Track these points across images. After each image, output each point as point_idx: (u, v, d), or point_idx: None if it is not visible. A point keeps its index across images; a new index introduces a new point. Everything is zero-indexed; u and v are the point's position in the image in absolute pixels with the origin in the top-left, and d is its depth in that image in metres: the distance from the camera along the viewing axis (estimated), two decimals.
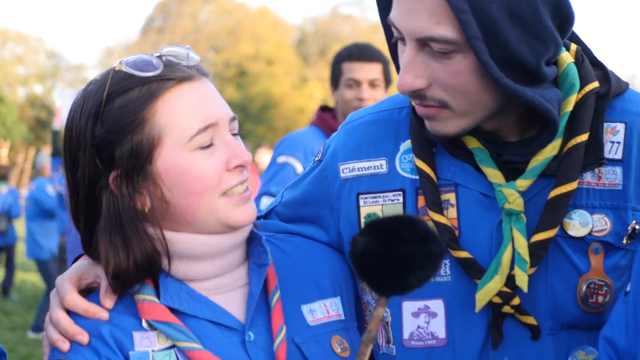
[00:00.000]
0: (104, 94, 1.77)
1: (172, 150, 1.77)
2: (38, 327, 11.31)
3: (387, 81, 4.79)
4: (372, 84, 4.68)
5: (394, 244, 1.59)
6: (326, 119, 4.80)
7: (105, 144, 1.78)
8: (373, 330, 1.61)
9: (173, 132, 1.77)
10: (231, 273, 1.87)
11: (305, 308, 1.91)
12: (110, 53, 54.33)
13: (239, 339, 1.81)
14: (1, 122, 36.21)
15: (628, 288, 1.80)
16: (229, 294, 1.86)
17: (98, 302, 1.80)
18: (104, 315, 1.77)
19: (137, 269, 1.77)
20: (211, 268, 1.83)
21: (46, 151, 14.77)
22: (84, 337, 1.74)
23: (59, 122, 14.52)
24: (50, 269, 12.13)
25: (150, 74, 1.77)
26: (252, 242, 1.91)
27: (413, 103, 1.88)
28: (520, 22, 1.68)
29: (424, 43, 1.73)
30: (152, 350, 1.75)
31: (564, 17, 1.77)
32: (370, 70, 4.70)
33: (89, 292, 1.85)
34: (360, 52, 4.75)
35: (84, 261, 1.89)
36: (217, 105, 1.83)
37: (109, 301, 1.79)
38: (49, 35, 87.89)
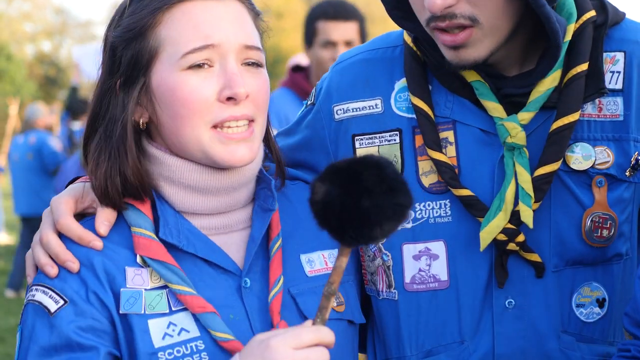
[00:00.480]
0: None
1: (164, 66, 1.72)
2: (14, 284, 11.11)
3: (364, 39, 4.62)
4: (348, 44, 4.50)
5: (359, 194, 1.48)
6: (298, 80, 4.69)
7: (116, 47, 1.75)
8: (335, 282, 1.55)
9: (169, 46, 1.71)
10: (233, 213, 1.81)
11: (304, 257, 1.87)
12: None
13: (235, 284, 1.77)
14: (10, 79, 36.18)
15: None
16: (229, 235, 1.81)
17: (92, 229, 1.74)
18: (98, 244, 1.71)
19: (127, 180, 1.73)
20: (209, 204, 1.77)
21: (39, 104, 14.46)
22: (74, 264, 1.69)
23: (78, 77, 14.39)
24: None
25: None
26: (260, 184, 1.84)
27: (435, 28, 1.77)
28: None
29: None
30: (145, 289, 1.71)
31: None
32: (346, 30, 4.56)
33: (81, 217, 1.79)
34: (335, 11, 4.57)
35: (81, 184, 1.83)
36: (228, 28, 1.74)
37: (104, 227, 1.73)
38: None
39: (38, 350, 1.66)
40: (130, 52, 1.73)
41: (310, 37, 4.61)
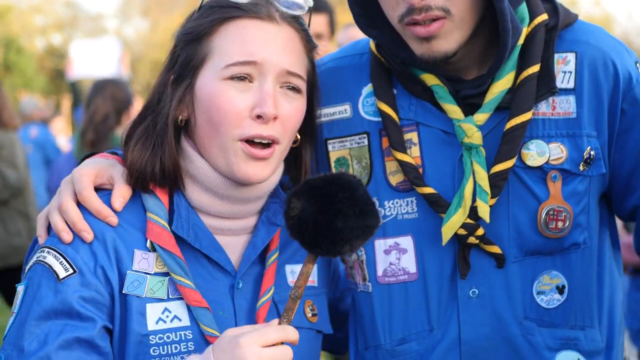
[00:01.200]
0: (201, 3, 1.92)
1: (210, 72, 1.85)
2: None
3: (332, 30, 4.65)
4: (317, 36, 4.46)
5: (333, 215, 1.64)
6: None
7: (176, 46, 1.91)
8: (301, 287, 1.68)
9: (217, 55, 1.86)
10: (241, 220, 1.93)
11: (288, 268, 2.00)
12: (129, 2, 53.85)
13: (229, 283, 1.89)
14: (20, 72, 36.14)
15: None
16: (231, 237, 1.92)
17: (108, 204, 1.85)
18: (114, 220, 1.82)
19: (164, 169, 1.85)
20: (223, 208, 1.89)
21: (34, 97, 14.20)
22: (90, 235, 1.80)
23: (72, 72, 14.48)
24: None
25: (239, 1, 1.86)
26: (273, 197, 1.96)
27: (411, 22, 1.86)
28: None
29: None
30: (148, 274, 1.82)
31: None
32: (315, 23, 4.40)
33: (96, 191, 1.90)
34: None
35: (102, 159, 1.95)
36: (275, 50, 1.86)
37: (119, 203, 1.84)
38: None
39: (39, 312, 1.75)
40: (185, 53, 1.88)
41: None
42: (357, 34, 5.16)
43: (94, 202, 1.84)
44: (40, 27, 50.32)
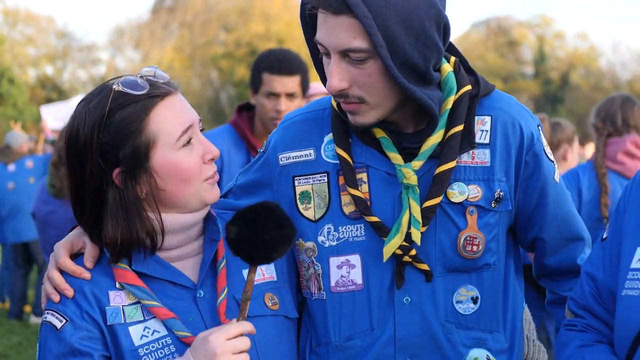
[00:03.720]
0: (105, 108, 2.24)
1: (163, 150, 2.29)
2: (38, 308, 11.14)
3: (305, 89, 4.93)
4: (290, 95, 4.84)
5: (259, 231, 2.19)
6: (240, 123, 4.95)
7: (109, 148, 2.25)
8: (248, 291, 2.21)
9: (163, 136, 2.27)
10: (190, 244, 2.42)
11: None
12: (121, 33, 53.86)
13: (192, 296, 2.35)
14: (12, 103, 36.19)
15: (605, 235, 2.36)
16: (186, 260, 2.39)
17: (82, 264, 2.33)
18: (87, 275, 2.31)
19: (138, 243, 2.27)
20: (176, 240, 2.38)
21: (16, 130, 14.14)
22: (69, 291, 2.28)
23: (49, 133, 15.30)
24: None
25: (140, 92, 2.30)
26: (208, 221, 2.46)
27: (338, 101, 2.43)
28: (412, 33, 2.26)
29: (344, 54, 2.31)
30: (123, 306, 2.29)
31: (444, 30, 2.36)
32: (288, 84, 4.83)
33: (76, 256, 2.37)
34: (280, 66, 4.83)
35: (77, 231, 2.41)
36: (190, 111, 2.35)
37: (89, 262, 2.32)
38: (59, 14, 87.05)
39: (51, 358, 2.24)
40: (129, 149, 2.24)
41: (256, 85, 4.90)
42: (319, 86, 5.41)
43: (69, 266, 2.33)
44: (33, 57, 50.43)
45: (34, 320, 11.54)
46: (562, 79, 50.79)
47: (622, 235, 2.28)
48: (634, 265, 2.17)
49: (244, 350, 2.17)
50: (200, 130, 2.40)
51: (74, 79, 50.52)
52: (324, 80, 2.46)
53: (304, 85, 4.90)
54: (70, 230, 2.48)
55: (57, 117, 17.38)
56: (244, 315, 2.22)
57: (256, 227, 2.19)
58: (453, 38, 2.47)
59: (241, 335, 2.18)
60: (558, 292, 2.69)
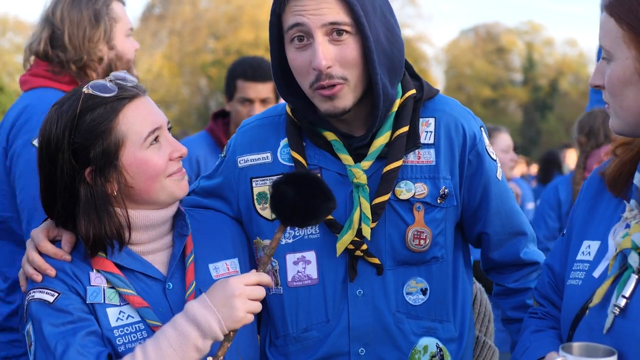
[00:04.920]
0: (76, 110, 2.39)
1: (132, 149, 2.44)
2: None
3: (278, 95, 4.83)
4: (264, 102, 4.98)
5: (307, 196, 2.35)
6: (216, 130, 5.07)
7: (81, 148, 2.39)
8: (273, 248, 2.39)
9: (132, 136, 2.43)
10: (160, 239, 2.57)
11: (211, 266, 2.61)
12: None
13: (161, 287, 2.51)
14: (1, 111, 36.07)
15: (564, 231, 2.51)
16: (157, 254, 2.55)
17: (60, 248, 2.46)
18: (68, 257, 2.44)
19: (109, 238, 2.42)
20: (148, 236, 2.53)
21: None
22: (52, 271, 2.41)
23: None
24: None
25: (109, 94, 2.45)
26: (178, 217, 2.61)
27: (319, 87, 2.49)
28: (381, 18, 2.52)
29: (328, 32, 2.46)
30: (104, 287, 2.43)
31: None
32: (262, 90, 4.99)
33: (53, 243, 2.49)
34: (254, 73, 4.99)
35: (50, 221, 2.54)
36: (158, 113, 2.50)
37: (67, 247, 2.45)
38: None
39: (51, 329, 2.32)
40: (99, 148, 2.38)
41: (230, 92, 5.05)
42: None
43: (50, 249, 2.47)
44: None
45: None
46: (551, 86, 50.88)
47: (572, 230, 2.44)
48: (579, 257, 2.33)
49: (259, 298, 2.35)
50: (169, 129, 2.54)
51: None
52: (284, 89, 2.64)
53: (277, 92, 5.00)
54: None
55: None
56: (264, 269, 2.41)
57: (305, 192, 2.36)
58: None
59: (258, 285, 2.37)
60: (504, 284, 2.85)
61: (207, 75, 45.59)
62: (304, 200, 2.35)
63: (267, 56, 2.74)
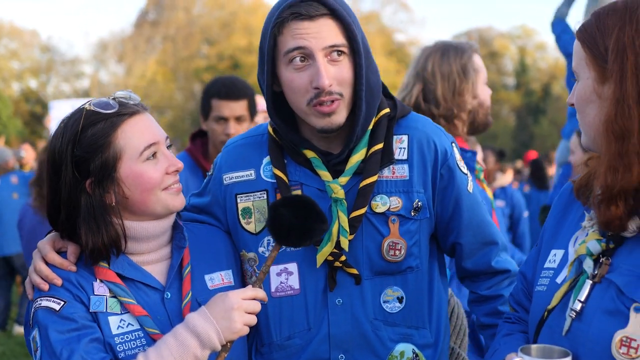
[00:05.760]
0: (79, 125, 2.53)
1: (129, 162, 2.57)
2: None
3: (252, 113, 5.14)
4: (238, 119, 5.05)
5: (304, 218, 2.48)
6: (194, 151, 5.12)
7: (82, 160, 2.52)
8: (269, 265, 2.52)
9: (129, 150, 2.56)
10: (160, 250, 2.69)
11: (207, 277, 2.74)
12: (104, 47, 53.67)
13: (160, 297, 2.63)
14: None
15: (538, 241, 2.63)
16: (156, 264, 2.67)
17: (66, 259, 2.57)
18: (73, 268, 2.56)
19: (106, 247, 2.53)
20: (148, 246, 2.65)
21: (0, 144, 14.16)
22: (58, 280, 2.52)
23: (50, 127, 15.32)
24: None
25: (110, 111, 2.58)
26: (176, 230, 2.74)
27: (318, 103, 2.63)
28: (364, 43, 2.66)
29: (328, 53, 2.60)
30: (107, 297, 2.54)
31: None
32: (236, 108, 5.04)
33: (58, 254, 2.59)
34: (227, 91, 5.04)
35: (56, 233, 2.64)
36: (156, 129, 2.63)
37: (72, 257, 2.56)
38: (43, 28, 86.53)
39: (56, 336, 2.42)
40: (99, 161, 2.52)
41: (205, 111, 5.12)
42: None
43: (56, 259, 2.58)
44: (17, 71, 50.11)
45: (17, 329, 11.63)
46: (543, 90, 51.03)
47: (543, 239, 2.58)
48: (546, 265, 2.46)
49: (255, 312, 2.47)
50: (168, 147, 2.67)
51: (58, 93, 50.36)
52: (272, 111, 2.75)
53: (252, 109, 5.12)
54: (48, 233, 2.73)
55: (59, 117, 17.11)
56: (260, 284, 2.53)
57: (301, 214, 2.49)
58: None
59: (254, 299, 2.49)
60: (477, 292, 2.98)
61: (201, 81, 45.66)
62: (299, 221, 2.48)
63: None
